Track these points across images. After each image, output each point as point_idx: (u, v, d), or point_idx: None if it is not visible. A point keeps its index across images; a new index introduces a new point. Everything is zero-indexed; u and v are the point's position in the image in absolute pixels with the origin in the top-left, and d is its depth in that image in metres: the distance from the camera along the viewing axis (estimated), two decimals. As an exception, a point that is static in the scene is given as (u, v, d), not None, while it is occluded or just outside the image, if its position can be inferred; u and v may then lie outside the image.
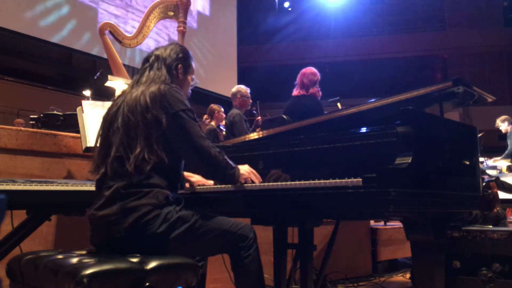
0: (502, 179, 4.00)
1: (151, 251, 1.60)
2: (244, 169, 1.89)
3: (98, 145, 1.79)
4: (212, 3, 12.88)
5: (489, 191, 3.09)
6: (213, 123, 5.81)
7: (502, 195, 3.99)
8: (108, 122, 1.78)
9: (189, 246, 1.70)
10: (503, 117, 6.83)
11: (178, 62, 1.89)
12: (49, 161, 2.54)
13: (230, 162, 1.82)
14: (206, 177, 2.07)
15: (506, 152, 6.52)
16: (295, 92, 4.05)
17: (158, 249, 1.62)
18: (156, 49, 1.93)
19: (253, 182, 1.89)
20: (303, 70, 4.06)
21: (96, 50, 9.23)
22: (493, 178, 3.54)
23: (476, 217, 3.07)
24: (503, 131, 6.81)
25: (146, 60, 1.91)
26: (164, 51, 1.89)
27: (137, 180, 1.63)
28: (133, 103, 1.72)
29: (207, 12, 12.70)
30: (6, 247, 1.90)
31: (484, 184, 3.10)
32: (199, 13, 12.28)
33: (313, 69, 4.03)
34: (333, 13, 17.49)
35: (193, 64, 1.98)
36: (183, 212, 1.68)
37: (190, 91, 2.00)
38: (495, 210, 3.14)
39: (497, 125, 6.84)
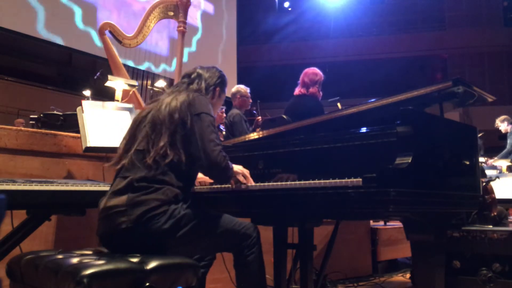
0: (502, 179, 4.00)
1: (155, 246, 1.62)
2: (238, 167, 1.92)
3: (124, 140, 1.85)
4: (212, 3, 12.88)
5: (486, 197, 3.09)
6: (213, 123, 5.80)
7: (503, 195, 3.99)
8: (137, 122, 1.87)
9: (194, 244, 1.72)
10: (503, 117, 6.83)
11: (217, 85, 2.03)
12: (49, 161, 2.54)
13: (229, 164, 1.85)
14: (207, 176, 2.09)
15: (503, 152, 6.52)
16: (296, 91, 4.07)
17: (162, 245, 1.65)
18: (200, 68, 2.06)
19: (245, 181, 1.92)
20: (306, 69, 4.08)
21: (96, 50, 9.24)
22: (492, 178, 3.54)
23: (474, 217, 3.07)
24: (503, 131, 6.81)
25: (187, 75, 2.02)
26: (207, 72, 2.03)
27: (152, 175, 1.68)
28: (164, 105, 1.82)
29: (207, 12, 12.70)
30: (6, 247, 1.90)
31: (483, 185, 3.10)
32: (198, 13, 12.28)
33: (315, 69, 4.05)
34: (333, 13, 17.49)
35: (225, 90, 2.12)
36: (189, 210, 1.71)
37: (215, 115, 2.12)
38: (494, 213, 3.14)
39: (496, 125, 6.84)
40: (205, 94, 1.95)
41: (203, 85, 1.97)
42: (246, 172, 1.95)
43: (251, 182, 1.92)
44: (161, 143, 1.71)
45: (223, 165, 1.79)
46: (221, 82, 2.06)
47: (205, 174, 2.06)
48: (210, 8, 12.84)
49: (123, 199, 1.65)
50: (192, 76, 2.01)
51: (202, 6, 12.44)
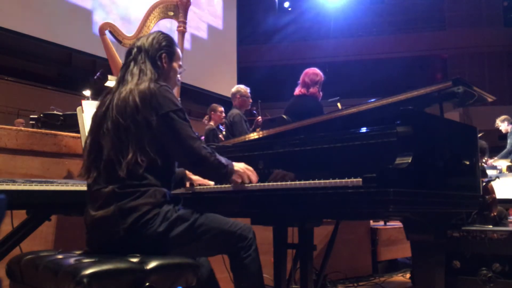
0: (502, 179, 4.00)
1: (150, 250, 1.59)
2: (240, 166, 1.86)
3: (87, 146, 1.74)
4: (212, 4, 12.88)
5: (487, 197, 3.10)
6: (212, 123, 5.81)
7: (503, 195, 3.99)
8: (97, 123, 1.74)
9: (189, 246, 1.68)
10: (503, 117, 6.84)
11: (162, 51, 1.82)
12: (49, 161, 2.54)
13: (223, 160, 1.78)
14: (200, 176, 2.05)
15: (503, 152, 6.53)
16: (296, 91, 4.09)
17: (157, 248, 1.61)
18: (138, 39, 1.86)
19: (249, 179, 1.87)
20: (307, 69, 4.10)
21: (96, 50, 9.23)
22: (492, 178, 3.54)
23: (474, 217, 3.08)
24: (503, 131, 6.82)
25: (129, 52, 1.84)
26: (146, 41, 1.82)
27: (132, 180, 1.61)
28: (122, 104, 1.66)
29: (207, 12, 12.70)
30: (6, 247, 1.90)
31: (483, 185, 3.10)
32: (198, 13, 12.28)
33: (316, 70, 4.07)
34: (333, 13, 17.51)
35: (178, 50, 1.90)
36: (182, 211, 1.68)
37: (179, 78, 1.94)
38: (494, 213, 3.14)
39: (497, 125, 6.85)
40: (156, 75, 1.75)
41: (148, 64, 1.76)
42: (251, 169, 1.88)
43: (254, 181, 1.88)
44: (130, 154, 1.59)
45: (211, 159, 1.71)
46: (166, 45, 1.83)
47: (197, 175, 2.03)
48: (210, 8, 12.84)
49: (110, 209, 1.58)
50: (133, 52, 1.81)
51: (202, 6, 12.44)
